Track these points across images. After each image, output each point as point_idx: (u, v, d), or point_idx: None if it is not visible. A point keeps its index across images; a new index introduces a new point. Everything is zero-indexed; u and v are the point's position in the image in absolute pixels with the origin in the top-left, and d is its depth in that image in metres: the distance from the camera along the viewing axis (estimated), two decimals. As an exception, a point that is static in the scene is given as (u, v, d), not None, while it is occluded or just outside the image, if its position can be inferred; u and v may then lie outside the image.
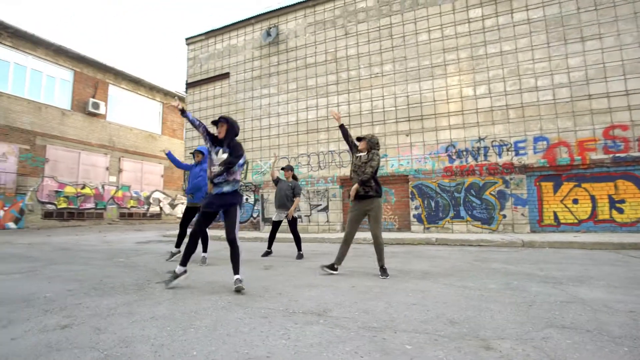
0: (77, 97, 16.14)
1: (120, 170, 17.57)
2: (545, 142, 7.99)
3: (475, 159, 8.50)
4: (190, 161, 9.78)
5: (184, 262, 3.44)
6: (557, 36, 8.07)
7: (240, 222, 11.22)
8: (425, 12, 9.35)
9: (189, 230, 4.82)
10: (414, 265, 4.80)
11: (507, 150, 8.27)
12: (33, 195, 14.34)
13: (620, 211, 7.41)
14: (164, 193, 20.00)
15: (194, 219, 4.88)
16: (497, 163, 8.27)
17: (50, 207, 14.81)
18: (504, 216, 8.07)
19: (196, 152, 5.39)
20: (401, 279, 3.87)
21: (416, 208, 8.93)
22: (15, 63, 14.36)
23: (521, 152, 8.17)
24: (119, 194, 17.43)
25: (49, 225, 14.58)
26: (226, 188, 3.45)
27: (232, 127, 3.51)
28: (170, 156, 5.49)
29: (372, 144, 4.18)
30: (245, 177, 11.35)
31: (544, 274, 3.99)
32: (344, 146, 10.03)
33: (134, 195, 18.22)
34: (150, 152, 19.22)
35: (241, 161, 3.52)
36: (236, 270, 3.34)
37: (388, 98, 9.61)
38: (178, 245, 5.40)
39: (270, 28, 11.16)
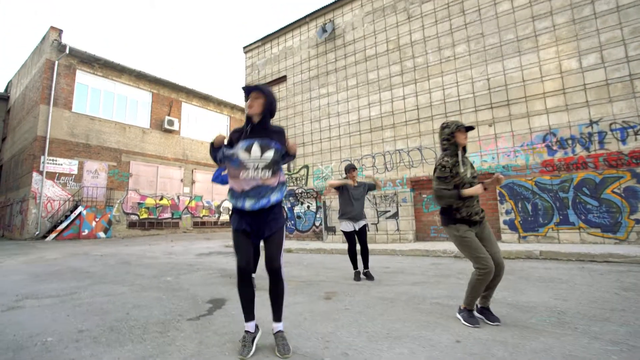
0: (155, 116, 17.52)
1: (193, 182, 18.59)
2: (695, 119, 5.89)
3: (587, 149, 6.67)
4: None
5: (251, 316, 2.32)
6: None
7: (302, 231, 10.70)
8: (507, -24, 7.81)
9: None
10: (528, 294, 3.44)
11: (636, 133, 6.31)
12: (119, 207, 15.76)
13: None
14: (234, 203, 20.75)
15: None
16: (621, 152, 6.35)
17: (133, 217, 16.15)
18: (637, 221, 6.11)
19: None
20: (524, 324, 2.55)
21: (507, 212, 7.35)
22: (105, 90, 16.11)
23: (657, 134, 6.15)
24: (192, 203, 18.42)
25: (133, 235, 15.87)
26: (274, 197, 2.29)
27: (270, 104, 2.32)
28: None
29: None
30: (306, 183, 10.83)
31: None
32: (413, 143, 8.87)
33: (206, 204, 19.12)
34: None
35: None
36: (277, 316, 2.29)
37: (463, 84, 8.22)
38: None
39: (326, 24, 10.57)
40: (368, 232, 9.01)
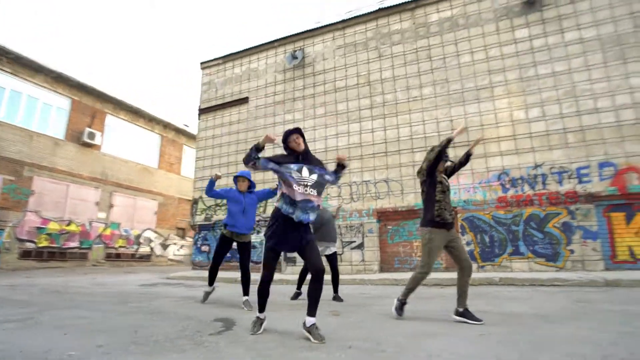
0: (73, 126, 16.81)
1: (111, 206, 17.76)
2: (612, 168, 8.27)
3: (533, 188, 8.74)
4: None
5: (262, 309, 3.40)
6: (614, 55, 8.69)
7: (257, 262, 11.21)
8: (467, 33, 10.14)
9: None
10: (509, 307, 4.69)
11: (569, 177, 8.53)
12: (11, 231, 14.41)
13: None
14: (155, 232, 20.03)
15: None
16: (559, 192, 8.49)
17: (29, 245, 14.79)
18: (572, 251, 8.11)
19: (241, 178, 5.25)
20: (525, 322, 3.65)
21: (467, 244, 8.98)
22: (12, 89, 15.22)
23: (585, 179, 8.41)
24: (108, 231, 17.46)
25: (26, 266, 14.44)
26: (312, 216, 3.24)
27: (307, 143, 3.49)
28: (212, 183, 5.25)
29: None
30: (264, 211, 11.53)
31: None
32: (380, 176, 10.33)
33: (124, 233, 18.24)
34: (144, 187, 19.60)
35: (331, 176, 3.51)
36: (312, 312, 3.11)
37: (429, 123, 10.09)
38: (211, 282, 5.40)
39: (296, 51, 12.02)
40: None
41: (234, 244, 5.35)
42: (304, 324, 3.08)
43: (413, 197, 9.81)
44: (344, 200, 10.60)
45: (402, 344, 2.89)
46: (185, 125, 21.63)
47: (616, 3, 8.95)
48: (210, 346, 2.91)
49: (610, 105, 8.52)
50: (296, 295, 6.02)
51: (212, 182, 5.15)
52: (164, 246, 19.92)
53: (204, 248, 12.10)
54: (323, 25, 11.96)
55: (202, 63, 13.73)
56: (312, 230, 5.92)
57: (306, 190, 3.18)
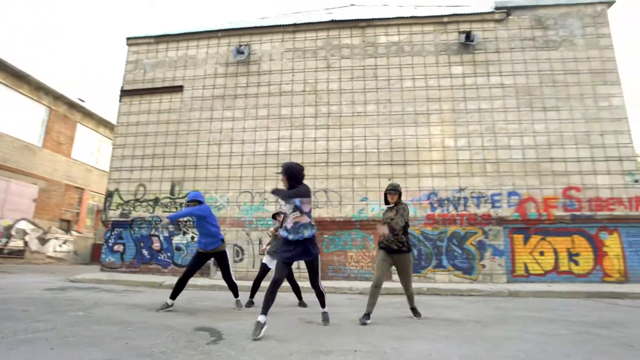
0: None
1: (-21, 190, 14.51)
2: (517, 197, 9.86)
3: (456, 209, 9.90)
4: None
5: (265, 311, 3.71)
6: (525, 103, 10.36)
7: (182, 266, 10.45)
8: (410, 60, 10.95)
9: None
10: (446, 314, 5.46)
11: (485, 202, 9.90)
12: None
13: (577, 263, 9.46)
14: (33, 223, 16.97)
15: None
16: (477, 214, 9.80)
17: None
18: (484, 266, 9.45)
19: (194, 202, 5.44)
20: (468, 327, 4.38)
21: (399, 255, 9.76)
22: None
23: (497, 204, 9.87)
24: (-29, 221, 14.24)
25: None
26: (307, 232, 4.07)
27: (289, 176, 4.12)
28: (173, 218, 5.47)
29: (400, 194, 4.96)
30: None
31: (576, 319, 4.98)
32: (320, 185, 10.52)
33: (-7, 224, 15.07)
34: (23, 168, 16.43)
35: (296, 201, 4.08)
36: (323, 305, 4.50)
37: (370, 139, 10.63)
38: (174, 295, 5.16)
39: (241, 45, 11.45)
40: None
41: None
42: (321, 311, 4.51)
43: (350, 209, 10.25)
44: (281, 207, 10.52)
45: (395, 347, 3.31)
46: (81, 100, 18.65)
47: (528, 60, 10.66)
48: (223, 355, 2.94)
49: (519, 144, 10.13)
50: (250, 304, 5.95)
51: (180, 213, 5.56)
52: (43, 241, 16.95)
53: (117, 248, 10.75)
54: (273, 25, 11.62)
55: (128, 39, 12.09)
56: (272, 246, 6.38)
57: (292, 216, 4.09)
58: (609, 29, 10.78)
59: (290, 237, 4.03)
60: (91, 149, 19.50)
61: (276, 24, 11.69)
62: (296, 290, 6.41)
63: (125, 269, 10.54)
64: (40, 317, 4.33)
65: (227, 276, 5.52)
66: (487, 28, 11.02)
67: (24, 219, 16.60)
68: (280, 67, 11.44)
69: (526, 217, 9.67)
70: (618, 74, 10.41)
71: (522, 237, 9.70)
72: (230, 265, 5.64)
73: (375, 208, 10.12)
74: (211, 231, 5.32)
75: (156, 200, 10.94)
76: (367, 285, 8.15)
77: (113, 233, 10.86)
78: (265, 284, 6.21)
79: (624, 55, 45.56)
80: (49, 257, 17.42)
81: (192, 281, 9.30)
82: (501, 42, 10.89)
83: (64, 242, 17.82)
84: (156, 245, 10.63)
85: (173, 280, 9.28)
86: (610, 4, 10.93)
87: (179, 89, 11.59)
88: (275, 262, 6.03)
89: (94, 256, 18.95)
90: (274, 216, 6.53)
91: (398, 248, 4.70)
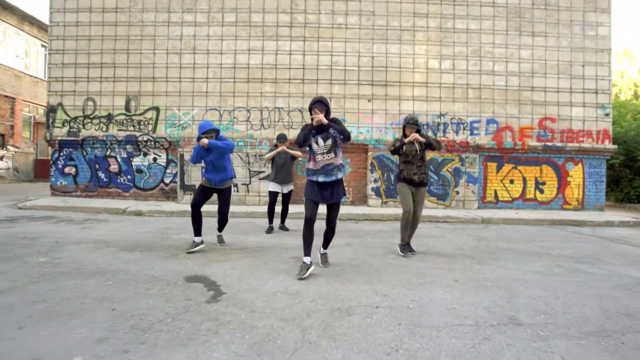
0: None
1: None
2: (495, 125, 9.54)
3: (435, 135, 9.46)
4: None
5: (308, 252, 3.67)
6: (514, 25, 9.56)
7: (144, 189, 9.49)
8: (399, -34, 9.53)
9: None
10: (434, 245, 5.43)
11: (464, 129, 9.51)
12: None
13: (542, 192, 9.65)
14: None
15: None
16: (455, 140, 9.43)
17: None
18: (457, 193, 9.36)
19: (207, 134, 4.61)
20: (463, 265, 4.28)
21: (375, 181, 9.38)
22: None
23: (475, 132, 9.53)
24: None
25: None
26: (340, 174, 3.82)
27: (328, 110, 3.73)
28: (199, 149, 4.69)
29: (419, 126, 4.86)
30: (154, 130, 9.47)
31: (557, 253, 5.07)
32: (295, 104, 9.53)
33: None
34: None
35: (338, 141, 3.76)
36: (326, 246, 4.10)
37: (351, 55, 9.52)
38: (197, 233, 4.67)
39: None
40: (238, 193, 9.20)
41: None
42: (319, 251, 4.08)
43: (327, 132, 9.48)
44: (253, 127, 9.53)
45: (415, 299, 2.99)
46: None
47: (523, -26, 9.64)
48: (234, 320, 2.42)
49: (504, 70, 9.55)
50: (270, 230, 6.18)
51: (199, 149, 4.65)
52: (-19, 155, 14.89)
53: (68, 170, 9.41)
54: None
55: None
56: (273, 172, 6.27)
57: (324, 157, 3.75)
58: (607, -52, 9.86)
59: (321, 179, 3.75)
60: (17, 51, 16.20)
61: None
62: (284, 213, 6.50)
63: (80, 193, 9.38)
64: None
65: (224, 211, 4.95)
66: None
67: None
68: (250, -38, 9.55)
69: (502, 146, 9.47)
70: (609, 1, 9.78)
71: (496, 165, 9.60)
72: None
73: (353, 131, 9.41)
74: (227, 167, 4.84)
75: (109, 117, 9.45)
76: (344, 211, 7.75)
77: (62, 154, 9.41)
78: (278, 208, 6.42)
79: None
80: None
81: (160, 206, 8.53)
82: (497, -47, 9.67)
83: (1, 158, 15.73)
84: (114, 167, 9.41)
85: (137, 206, 8.39)
86: None
87: (127, -19, 9.45)
88: (278, 186, 6.27)
89: (38, 172, 17.12)
90: (279, 138, 6.27)
91: (420, 181, 4.80)
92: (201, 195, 4.80)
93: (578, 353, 2.05)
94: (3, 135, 15.60)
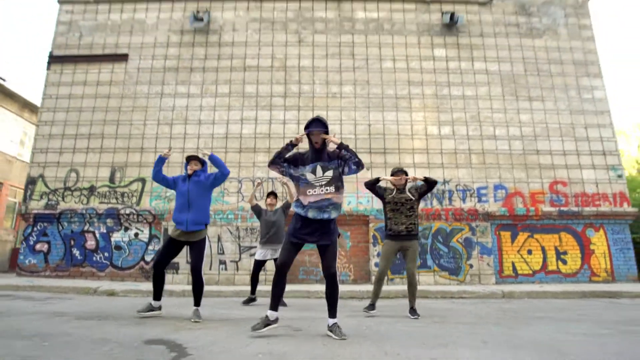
0: None
1: None
2: (504, 191, 8.75)
3: (441, 203, 8.62)
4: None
5: (274, 306, 3.07)
6: (510, 91, 9.31)
7: (122, 269, 8.36)
8: (391, 39, 9.55)
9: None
10: (448, 316, 4.60)
11: (470, 195, 8.70)
12: None
13: (564, 262, 8.51)
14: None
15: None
16: (462, 208, 8.56)
17: None
18: (471, 266, 8.22)
19: (193, 160, 4.13)
20: (488, 329, 3.63)
21: (378, 255, 8.30)
22: None
23: (483, 199, 8.70)
24: None
25: None
26: (334, 214, 3.13)
27: (328, 132, 3.18)
28: (161, 161, 4.24)
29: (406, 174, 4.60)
30: (138, 203, 8.65)
31: (598, 318, 4.37)
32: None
33: None
34: None
35: (352, 171, 3.16)
36: (332, 314, 3.09)
37: (347, 123, 9.10)
38: (157, 295, 4.01)
39: (200, 12, 9.47)
40: (226, 272, 8.08)
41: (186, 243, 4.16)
42: (327, 325, 3.09)
43: (324, 201, 8.66)
44: (244, 198, 8.73)
45: (437, 358, 2.47)
46: (1, 79, 15.15)
47: (513, 46, 9.67)
48: None
49: (505, 134, 9.06)
50: (249, 301, 5.47)
51: (160, 160, 4.21)
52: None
53: (40, 246, 8.37)
54: (237, -10, 9.77)
55: (60, -5, 9.70)
56: (263, 231, 5.55)
57: (321, 191, 3.08)
58: (590, 21, 10.04)
59: (311, 214, 3.05)
60: (12, 137, 15.75)
61: (241, -11, 9.85)
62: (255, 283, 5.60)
63: (50, 273, 8.23)
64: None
65: (197, 267, 3.96)
66: (471, 11, 9.89)
67: None
68: (245, 38, 9.59)
69: (514, 213, 8.57)
70: (599, 67, 9.67)
71: (510, 234, 8.59)
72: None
73: (352, 201, 8.62)
74: (206, 207, 4.09)
75: (92, 189, 8.68)
76: (345, 289, 6.76)
77: (35, 229, 8.45)
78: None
79: (606, 49, 47.30)
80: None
81: (137, 286, 7.36)
82: (485, 27, 9.79)
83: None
84: (90, 243, 8.38)
85: (111, 285, 7.23)
86: (590, -5, 10.22)
87: (122, 57, 9.36)
88: (267, 252, 5.42)
89: (14, 262, 15.75)
90: (269, 195, 5.76)
91: (408, 232, 4.40)
92: (165, 251, 4.00)
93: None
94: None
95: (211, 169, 4.35)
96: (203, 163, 4.20)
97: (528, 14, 9.94)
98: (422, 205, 8.49)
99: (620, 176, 9.00)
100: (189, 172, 4.07)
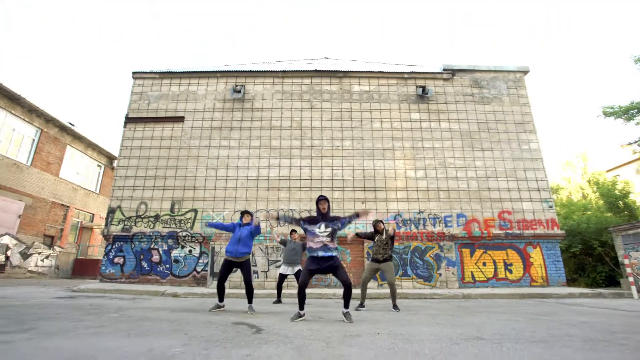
0: None
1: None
2: (464, 218, 11.68)
3: (417, 227, 11.50)
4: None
5: (301, 306, 4.79)
6: (467, 144, 12.47)
7: (179, 277, 11.01)
8: (379, 106, 12.80)
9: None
10: (421, 310, 6.60)
11: (439, 222, 11.61)
12: None
13: (511, 272, 11.30)
14: (16, 239, 16.37)
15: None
16: (433, 232, 11.44)
17: None
18: (440, 275, 10.99)
19: (246, 214, 6.23)
20: (445, 317, 5.69)
21: (371, 266, 11.05)
22: None
23: (449, 224, 11.61)
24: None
25: None
26: (334, 252, 4.90)
27: (329, 203, 5.05)
28: (217, 226, 6.26)
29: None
30: (192, 227, 11.44)
31: (522, 311, 6.47)
32: (305, 206, 11.74)
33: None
34: (10, 185, 16.06)
35: (342, 230, 5.14)
36: (346, 305, 4.83)
37: (347, 169, 12.12)
38: (221, 299, 5.87)
39: (237, 85, 12.72)
40: (257, 279, 10.73)
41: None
42: (342, 312, 4.81)
43: (330, 226, 11.49)
44: (270, 224, 11.53)
45: (406, 330, 4.06)
46: (71, 124, 18.68)
47: (469, 111, 12.92)
48: (275, 339, 3.39)
49: (464, 176, 12.10)
50: (278, 302, 7.68)
51: (217, 226, 6.25)
52: (25, 255, 16.38)
53: (117, 260, 11.07)
54: (265, 70, 13.08)
55: (134, 73, 12.93)
56: (285, 257, 8.04)
57: (324, 239, 4.81)
58: (526, 91, 13.39)
59: (320, 253, 4.76)
60: (79, 169, 19.52)
61: (268, 69, 13.16)
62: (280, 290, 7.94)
63: (124, 280, 10.86)
64: (82, 318, 4.51)
65: (248, 280, 5.84)
66: (438, 84, 13.25)
67: (7, 234, 16.04)
68: (271, 105, 12.80)
69: (472, 235, 11.46)
70: (534, 125, 12.90)
71: (469, 250, 11.43)
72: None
73: (352, 227, 11.43)
74: (250, 244, 6.03)
75: (157, 217, 11.51)
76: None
77: (114, 246, 11.19)
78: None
79: (541, 110, 52.02)
80: (30, 271, 16.79)
81: (192, 290, 9.97)
82: (449, 96, 13.10)
83: (46, 257, 17.26)
84: (155, 257, 11.10)
85: (173, 289, 9.85)
86: (525, 72, 13.65)
87: (180, 119, 12.51)
88: (288, 268, 7.93)
89: (76, 270, 18.48)
90: (292, 232, 8.39)
91: (384, 259, 6.71)
92: (224, 271, 5.82)
93: (519, 347, 3.12)
94: (52, 237, 17.47)
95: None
96: (251, 216, 6.23)
97: (480, 87, 13.30)
98: (402, 229, 11.39)
99: (550, 207, 11.98)
100: (244, 221, 6.11)
